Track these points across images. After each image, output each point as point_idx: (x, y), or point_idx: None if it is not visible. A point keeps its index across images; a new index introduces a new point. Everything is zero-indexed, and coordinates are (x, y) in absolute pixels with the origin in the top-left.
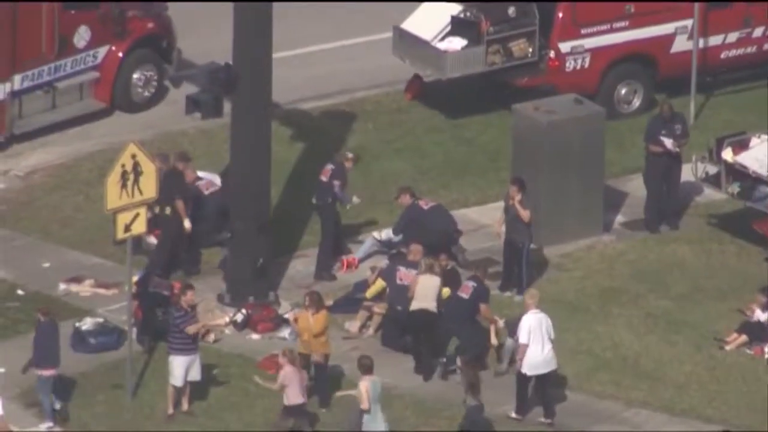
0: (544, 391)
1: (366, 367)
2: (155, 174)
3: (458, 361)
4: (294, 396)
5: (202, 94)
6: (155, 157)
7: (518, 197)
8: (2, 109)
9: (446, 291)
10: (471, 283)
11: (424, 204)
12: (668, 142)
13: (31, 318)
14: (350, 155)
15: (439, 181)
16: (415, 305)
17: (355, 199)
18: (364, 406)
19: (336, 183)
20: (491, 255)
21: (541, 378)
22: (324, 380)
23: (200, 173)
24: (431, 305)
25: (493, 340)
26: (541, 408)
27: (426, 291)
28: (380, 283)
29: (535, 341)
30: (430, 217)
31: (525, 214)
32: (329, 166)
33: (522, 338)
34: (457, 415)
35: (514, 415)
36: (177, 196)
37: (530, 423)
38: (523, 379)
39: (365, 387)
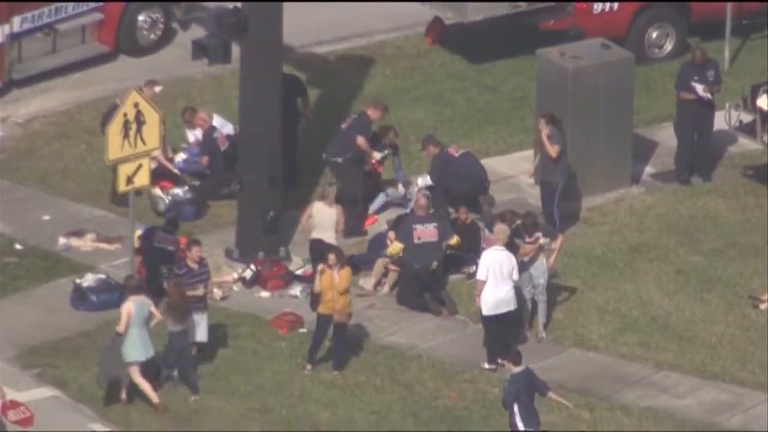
0: (502, 331)
1: (132, 287)
2: (159, 123)
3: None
4: None
5: (209, 38)
6: (145, 84)
7: (546, 131)
8: (0, 53)
9: (397, 247)
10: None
11: (454, 151)
12: (700, 89)
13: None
14: (378, 105)
15: (461, 129)
16: (314, 234)
17: (377, 154)
18: (120, 328)
19: (359, 138)
20: (514, 207)
21: (499, 318)
22: (344, 342)
23: (216, 122)
24: (328, 235)
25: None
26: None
27: (323, 220)
28: (398, 245)
29: (494, 280)
30: (462, 163)
31: (552, 149)
32: (351, 117)
33: (479, 274)
34: (477, 377)
35: (486, 366)
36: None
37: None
38: (488, 323)
39: (127, 308)
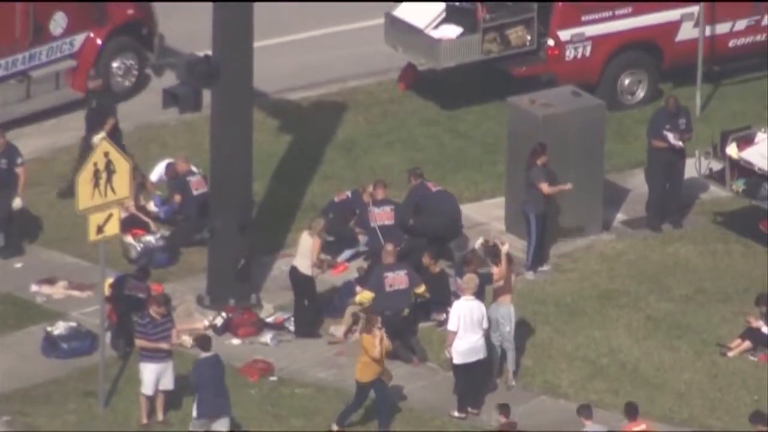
0: (472, 380)
1: None
2: (128, 172)
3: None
4: None
5: (180, 87)
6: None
7: (542, 159)
8: None
9: (367, 295)
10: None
11: (432, 186)
12: (671, 137)
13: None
14: (370, 187)
15: (433, 175)
16: (293, 262)
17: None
18: None
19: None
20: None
21: (469, 366)
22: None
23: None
24: (301, 264)
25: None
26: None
27: (302, 249)
28: (369, 294)
29: (464, 329)
30: (437, 199)
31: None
32: (347, 193)
33: (450, 325)
34: (447, 424)
35: (456, 414)
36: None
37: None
38: (458, 371)
39: None
